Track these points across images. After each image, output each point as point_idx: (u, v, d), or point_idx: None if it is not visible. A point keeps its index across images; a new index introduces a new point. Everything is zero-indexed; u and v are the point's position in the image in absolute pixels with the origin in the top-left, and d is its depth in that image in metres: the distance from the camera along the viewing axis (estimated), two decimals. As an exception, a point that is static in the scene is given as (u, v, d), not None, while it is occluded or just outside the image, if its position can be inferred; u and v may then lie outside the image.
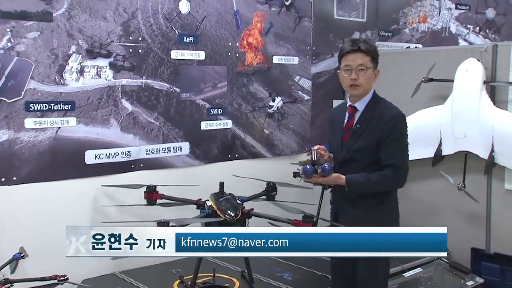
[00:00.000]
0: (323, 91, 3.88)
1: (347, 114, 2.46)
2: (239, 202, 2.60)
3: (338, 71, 2.45)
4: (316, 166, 2.30)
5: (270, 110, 3.71)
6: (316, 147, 2.35)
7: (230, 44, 3.40)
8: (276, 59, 3.69)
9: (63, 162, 2.73)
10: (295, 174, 2.37)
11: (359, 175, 2.33)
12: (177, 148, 3.22)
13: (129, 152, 3.00)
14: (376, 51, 2.41)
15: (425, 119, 3.39)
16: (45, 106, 2.65)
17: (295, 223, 2.42)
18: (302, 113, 3.89)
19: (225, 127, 3.45)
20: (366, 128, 2.36)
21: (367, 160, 2.35)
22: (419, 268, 3.17)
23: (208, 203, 2.60)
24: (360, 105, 2.42)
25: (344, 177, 2.33)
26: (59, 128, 2.71)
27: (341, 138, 2.44)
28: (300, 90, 3.87)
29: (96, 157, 2.87)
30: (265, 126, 3.67)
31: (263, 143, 3.70)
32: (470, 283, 3.18)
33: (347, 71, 2.38)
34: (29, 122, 2.62)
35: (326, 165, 2.28)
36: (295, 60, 3.79)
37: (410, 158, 3.36)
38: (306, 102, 3.90)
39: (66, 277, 2.42)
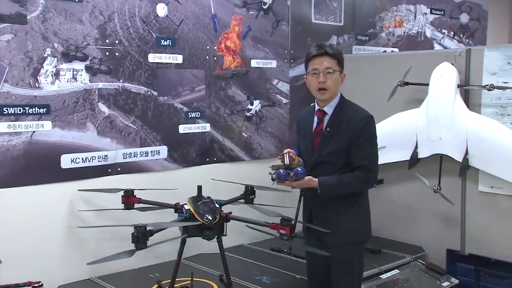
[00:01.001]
0: (301, 95, 3.88)
1: (315, 119, 2.46)
2: (217, 205, 2.59)
3: (305, 76, 2.46)
4: (288, 170, 2.32)
5: (248, 114, 3.71)
6: (286, 151, 2.35)
7: (208, 47, 3.38)
8: (254, 63, 3.69)
9: (38, 166, 2.68)
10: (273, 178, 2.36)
11: (331, 177, 2.34)
12: (155, 152, 3.19)
13: (106, 156, 2.97)
14: (341, 55, 2.42)
15: (401, 122, 3.40)
16: (19, 110, 2.60)
17: (273, 226, 2.43)
18: (280, 116, 3.90)
19: (203, 130, 3.44)
20: (336, 131, 2.37)
21: (338, 163, 2.37)
22: (396, 270, 3.19)
23: (186, 207, 2.58)
24: (329, 109, 2.42)
25: (316, 179, 2.34)
26: (33, 132, 2.66)
27: (311, 143, 2.45)
28: (278, 93, 3.88)
29: (72, 161, 2.83)
30: (243, 130, 3.67)
31: (242, 146, 3.69)
32: (445, 284, 3.20)
33: (314, 74, 2.38)
34: (2, 126, 2.58)
35: (299, 169, 2.28)
36: (273, 63, 3.80)
37: (387, 160, 3.40)
38: (284, 105, 3.91)
39: (40, 283, 2.41)
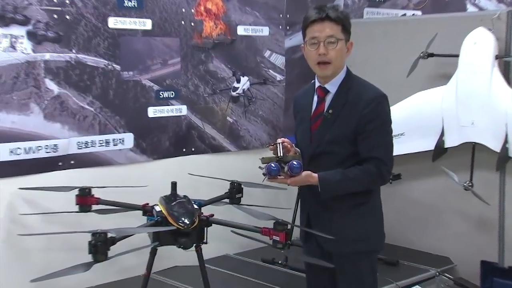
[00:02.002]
0: (299, 70, 3.90)
1: (315, 98, 2.48)
2: (195, 206, 2.63)
3: (302, 45, 2.47)
4: (281, 163, 2.34)
5: (234, 93, 3.74)
6: (280, 140, 2.37)
7: (183, 10, 3.39)
8: (241, 30, 3.70)
9: (-33, 159, 2.65)
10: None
11: (334, 172, 2.36)
12: (118, 141, 3.22)
13: (55, 145, 2.97)
14: (348, 20, 2.43)
15: (424, 103, 3.43)
16: None
17: (265, 232, 2.45)
18: (273, 96, 3.93)
19: (179, 114, 3.47)
20: (340, 113, 2.39)
21: (343, 153, 2.39)
22: (417, 286, 3.24)
23: (157, 208, 2.61)
24: (332, 87, 2.44)
25: (316, 175, 2.35)
26: (-42, 115, 2.63)
27: (309, 128, 2.47)
28: (271, 68, 3.90)
29: (11, 152, 2.81)
30: (228, 113, 3.71)
31: (226, 133, 3.72)
32: (479, 303, 3.19)
33: (313, 44, 2.39)
34: None
35: (295, 162, 2.29)
36: (264, 31, 3.82)
37: (406, 151, 3.42)
38: (278, 83, 3.94)
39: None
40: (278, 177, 2.32)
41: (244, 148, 3.81)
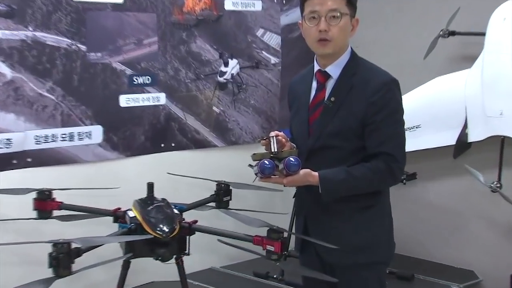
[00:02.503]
0: (297, 51, 3.91)
1: (314, 84, 2.50)
2: (176, 211, 2.66)
3: (299, 21, 2.50)
4: (276, 160, 2.34)
5: (221, 79, 3.76)
6: (273, 133, 2.36)
7: (161, -20, 3.41)
8: (229, 4, 3.72)
9: None
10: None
11: (337, 170, 2.38)
12: (84, 134, 3.22)
13: (8, 140, 2.96)
14: None
15: (444, 90, 3.44)
16: None
17: (257, 241, 2.46)
18: (267, 83, 3.96)
19: (156, 103, 3.50)
20: (343, 101, 2.41)
21: (347, 148, 2.41)
22: (436, 304, 3.27)
23: (131, 213, 2.63)
24: (334, 70, 2.45)
25: (316, 174, 2.36)
26: None
27: (307, 119, 2.49)
28: (265, 49, 3.92)
29: (-46, 148, 2.81)
30: (214, 102, 3.74)
31: (212, 126, 3.75)
32: (510, 324, 3.27)
33: (312, 19, 2.40)
34: None
35: (292, 159, 2.29)
36: (257, 5, 3.83)
37: (422, 146, 3.42)
38: (273, 67, 3.96)
39: None
40: (272, 176, 2.31)
41: (233, 143, 3.84)
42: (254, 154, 2.32)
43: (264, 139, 2.36)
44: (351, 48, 2.48)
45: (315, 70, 2.50)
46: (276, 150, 2.31)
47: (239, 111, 3.88)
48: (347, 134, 2.40)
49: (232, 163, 3.53)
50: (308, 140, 2.47)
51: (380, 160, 2.36)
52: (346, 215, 2.44)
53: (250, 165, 2.35)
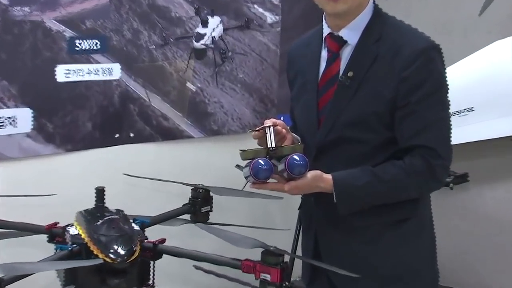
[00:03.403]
0: (303, 6, 3.94)
1: (324, 54, 2.52)
2: (136, 227, 2.67)
3: None
4: (274, 159, 2.35)
5: (198, 44, 3.76)
6: (269, 122, 2.38)
7: None
8: None
9: None
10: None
11: (358, 172, 2.39)
12: (6, 121, 3.20)
13: None
14: None
15: (507, 60, 3.42)
16: None
17: (247, 267, 2.45)
18: (262, 49, 3.95)
19: (108, 77, 3.48)
20: (365, 77, 2.42)
21: (371, 142, 2.43)
22: None
23: (73, 230, 2.62)
24: (351, 34, 2.46)
25: (329, 177, 2.38)
26: None
27: (316, 102, 2.53)
28: (259, 3, 3.90)
29: None
30: (188, 77, 3.72)
31: (186, 110, 3.76)
32: None
33: None
34: None
35: (296, 157, 2.29)
36: None
37: (475, 137, 3.43)
38: (270, 28, 3.95)
39: None
40: (269, 181, 2.32)
41: (214, 133, 3.84)
42: (243, 150, 2.32)
43: (258, 130, 2.37)
44: (374, 2, 2.49)
45: (324, 34, 2.51)
46: (274, 145, 2.32)
47: (222, 88, 3.86)
48: (371, 122, 2.41)
49: (214, 161, 3.61)
50: (317, 131, 2.49)
51: (417, 156, 2.36)
52: (371, 233, 2.47)
53: (238, 166, 2.49)
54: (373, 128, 2.41)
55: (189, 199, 3.10)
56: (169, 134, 3.76)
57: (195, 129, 3.84)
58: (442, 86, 2.40)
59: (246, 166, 2.30)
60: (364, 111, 2.40)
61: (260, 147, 2.36)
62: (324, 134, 2.47)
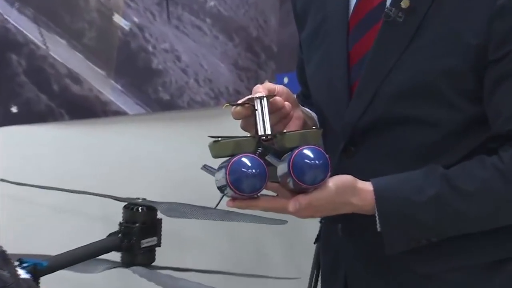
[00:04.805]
0: None
1: None
2: (24, 274, 1.90)
3: None
4: (269, 156, 1.92)
5: None
6: (261, 88, 1.91)
7: None
8: None
9: None
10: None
11: (420, 176, 1.94)
12: None
13: None
14: None
15: None
16: None
17: None
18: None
19: None
20: (430, 10, 1.99)
21: (443, 123, 1.97)
22: None
23: None
24: None
25: (369, 187, 1.92)
26: None
27: (345, 54, 2.09)
28: None
29: None
30: (117, 5, 3.15)
31: (114, 66, 3.13)
32: None
33: None
34: None
35: (309, 153, 1.79)
36: None
37: None
38: None
39: None
40: (260, 195, 1.81)
41: (164, 107, 3.25)
42: (216, 140, 1.82)
43: (242, 103, 1.88)
44: None
45: None
46: (269, 130, 1.83)
47: (179, 26, 3.23)
48: (443, 90, 1.93)
49: (164, 156, 3.08)
50: (347, 106, 2.04)
51: None
52: (448, 285, 2.05)
53: (206, 167, 1.89)
54: (445, 99, 1.94)
55: (120, 224, 2.65)
56: (83, 108, 3.07)
57: (130, 100, 3.15)
58: None
59: (220, 167, 1.78)
60: (430, 70, 1.92)
61: (245, 134, 1.91)
62: (359, 111, 2.00)
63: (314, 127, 2.01)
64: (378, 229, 1.91)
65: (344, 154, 2.02)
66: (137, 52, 3.17)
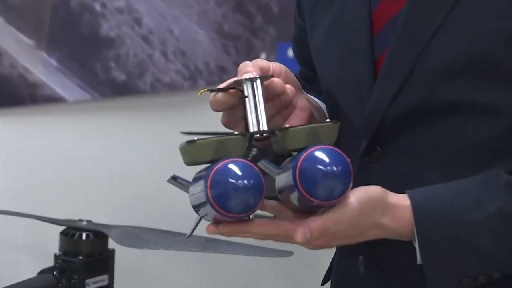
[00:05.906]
0: None
1: None
2: None
3: None
4: (264, 161, 1.61)
5: None
6: (250, 66, 1.60)
7: None
8: None
9: None
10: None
11: (474, 187, 1.67)
12: None
13: None
14: None
15: None
16: None
17: None
18: None
19: None
20: None
21: (505, 109, 1.64)
22: None
23: None
24: None
25: (404, 202, 1.65)
26: None
27: (366, 19, 1.82)
28: None
29: None
30: None
31: (46, 33, 2.95)
32: None
33: None
34: None
35: (322, 155, 1.55)
36: None
37: None
38: None
39: None
40: (253, 216, 1.55)
41: (117, 92, 3.01)
42: (191, 140, 1.56)
43: (227, 88, 1.57)
44: None
45: None
46: (265, 126, 1.57)
47: None
48: (508, 62, 1.59)
49: (118, 161, 2.86)
50: (372, 88, 1.72)
51: None
52: None
53: (174, 179, 1.56)
54: (510, 76, 1.61)
55: (55, 256, 2.44)
56: (2, 92, 2.88)
57: (70, 81, 2.96)
58: None
59: (197, 178, 1.50)
60: (487, 34, 1.61)
61: (231, 131, 1.60)
62: (388, 96, 1.69)
63: (328, 120, 1.69)
64: (418, 261, 1.59)
65: (367, 157, 1.73)
66: (79, 13, 2.94)
